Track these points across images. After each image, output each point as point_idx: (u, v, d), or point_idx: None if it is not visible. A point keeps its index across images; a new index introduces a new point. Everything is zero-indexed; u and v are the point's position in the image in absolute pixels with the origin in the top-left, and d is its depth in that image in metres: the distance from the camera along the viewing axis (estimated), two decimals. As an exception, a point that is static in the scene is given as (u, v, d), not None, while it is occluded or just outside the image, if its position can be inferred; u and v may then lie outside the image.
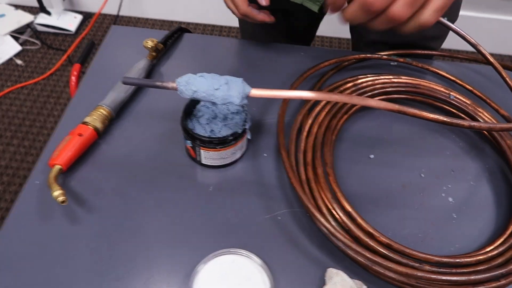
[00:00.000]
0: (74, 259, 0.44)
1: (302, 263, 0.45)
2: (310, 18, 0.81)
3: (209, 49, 0.68)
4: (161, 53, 0.65)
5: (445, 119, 0.39)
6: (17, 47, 1.72)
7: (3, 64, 1.66)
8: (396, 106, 0.39)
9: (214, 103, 0.52)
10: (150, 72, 0.63)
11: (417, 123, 0.59)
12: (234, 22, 1.88)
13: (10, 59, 1.68)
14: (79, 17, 1.85)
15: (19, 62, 1.68)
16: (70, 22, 1.82)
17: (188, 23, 1.90)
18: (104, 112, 0.54)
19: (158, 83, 0.43)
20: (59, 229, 0.46)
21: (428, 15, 0.35)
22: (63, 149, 0.49)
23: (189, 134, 0.49)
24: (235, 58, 0.67)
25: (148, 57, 0.63)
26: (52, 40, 1.78)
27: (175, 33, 0.68)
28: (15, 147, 1.41)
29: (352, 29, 0.80)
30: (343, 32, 1.68)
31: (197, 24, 1.90)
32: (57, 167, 0.48)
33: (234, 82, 0.42)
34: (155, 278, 0.43)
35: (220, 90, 0.41)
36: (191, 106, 0.52)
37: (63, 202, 0.43)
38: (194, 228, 0.47)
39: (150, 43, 0.62)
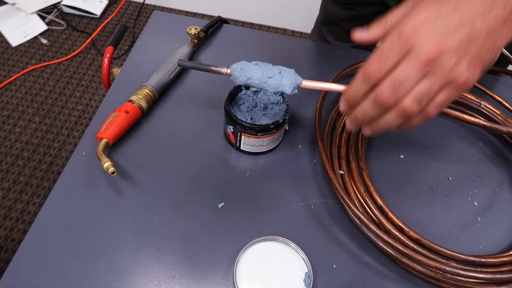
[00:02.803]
0: (118, 229, 0.46)
1: (333, 250, 0.47)
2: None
3: (246, 40, 0.70)
4: (201, 41, 0.67)
5: (485, 123, 0.41)
6: (43, 26, 1.74)
7: (28, 41, 1.69)
8: (439, 107, 0.41)
9: (255, 92, 0.55)
10: (191, 58, 0.65)
11: (447, 128, 0.61)
12: (260, 19, 1.90)
13: (36, 38, 1.71)
14: (105, 2, 1.88)
15: (44, 41, 1.70)
16: (96, 6, 1.85)
17: (212, 17, 1.92)
18: (149, 93, 0.56)
19: (213, 68, 0.45)
20: (104, 200, 0.48)
21: (432, 108, 0.36)
22: (110, 124, 0.51)
23: (232, 119, 0.51)
24: (271, 50, 0.69)
25: (190, 44, 0.65)
26: (77, 22, 1.80)
27: (216, 23, 0.70)
28: (37, 124, 1.44)
29: None
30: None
31: (220, 18, 1.92)
32: (104, 140, 0.50)
33: (287, 72, 0.44)
34: (197, 255, 0.46)
35: (273, 78, 0.43)
36: (234, 94, 0.54)
37: (113, 173, 0.46)
38: (233, 210, 0.49)
39: (193, 30, 0.64)
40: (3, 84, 1.54)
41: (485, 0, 0.32)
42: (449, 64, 0.33)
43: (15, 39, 1.69)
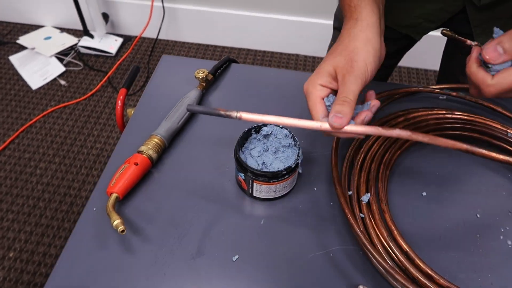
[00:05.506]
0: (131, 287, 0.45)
1: (356, 304, 0.44)
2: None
3: (255, 79, 0.69)
4: (210, 83, 0.67)
5: (514, 162, 0.38)
6: (61, 68, 1.80)
7: (47, 84, 1.74)
8: (464, 146, 0.38)
9: (266, 136, 0.53)
10: (200, 101, 0.64)
11: (471, 160, 0.58)
12: (271, 47, 1.92)
13: (54, 80, 1.76)
14: (120, 40, 1.93)
15: (62, 82, 1.75)
16: (111, 44, 1.90)
17: (224, 47, 1.94)
18: (158, 142, 0.55)
19: (222, 112, 0.41)
20: (116, 258, 0.47)
21: None
22: (120, 177, 0.51)
23: (243, 167, 0.49)
24: (282, 88, 0.68)
25: (198, 87, 0.64)
26: (94, 61, 1.85)
27: (224, 63, 0.70)
28: (57, 165, 1.46)
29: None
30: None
31: (232, 48, 1.94)
32: (114, 195, 0.49)
33: None
34: (208, 312, 0.43)
35: None
36: (244, 139, 0.53)
37: (122, 231, 0.44)
38: (248, 263, 0.47)
39: (201, 74, 0.64)
40: (24, 127, 1.58)
41: None
42: None
43: (35, 83, 1.74)
